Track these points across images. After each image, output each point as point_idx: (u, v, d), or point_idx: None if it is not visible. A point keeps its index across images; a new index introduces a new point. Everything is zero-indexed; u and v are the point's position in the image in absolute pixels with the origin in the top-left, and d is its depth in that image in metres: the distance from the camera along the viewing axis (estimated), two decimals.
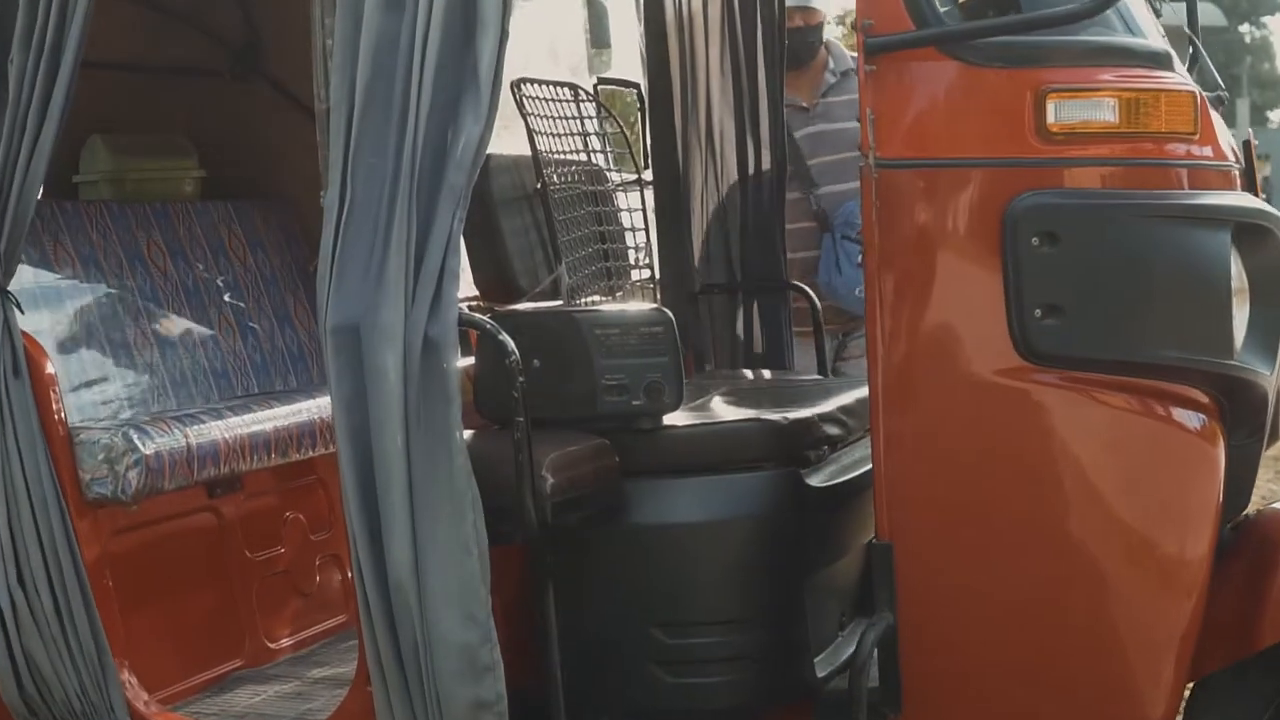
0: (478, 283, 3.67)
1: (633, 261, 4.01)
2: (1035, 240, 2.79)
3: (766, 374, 4.27)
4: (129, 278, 4.21)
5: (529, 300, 3.64)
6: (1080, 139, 2.85)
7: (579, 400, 3.23)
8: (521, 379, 2.93)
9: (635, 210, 4.09)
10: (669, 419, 3.29)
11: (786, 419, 3.35)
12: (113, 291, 4.14)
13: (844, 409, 3.55)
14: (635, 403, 3.22)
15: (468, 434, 3.07)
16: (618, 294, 3.94)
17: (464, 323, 2.94)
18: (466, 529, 2.92)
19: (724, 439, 3.31)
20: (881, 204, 2.83)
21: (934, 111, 2.89)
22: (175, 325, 4.29)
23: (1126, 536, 2.88)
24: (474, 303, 3.63)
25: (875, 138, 2.83)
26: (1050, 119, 2.81)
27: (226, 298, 4.50)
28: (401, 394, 2.93)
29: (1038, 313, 2.80)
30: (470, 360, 3.26)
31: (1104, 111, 2.83)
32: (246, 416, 3.83)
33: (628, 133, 4.33)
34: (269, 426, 3.84)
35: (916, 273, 2.87)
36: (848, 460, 3.56)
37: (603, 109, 4.11)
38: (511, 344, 2.94)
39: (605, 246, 3.90)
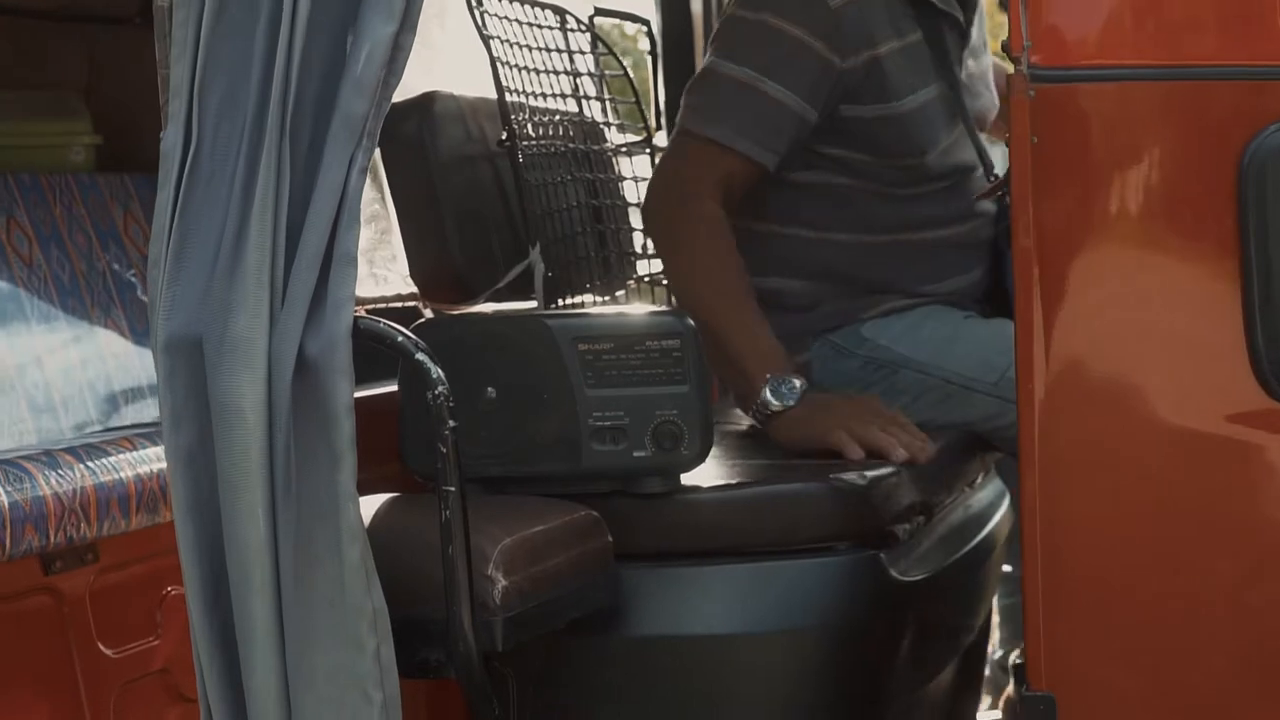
0: (415, 275, 2.58)
1: (639, 249, 2.91)
2: None
3: None
4: None
5: (489, 300, 2.54)
6: None
7: (554, 450, 2.16)
8: (453, 423, 1.82)
9: (643, 180, 2.99)
10: (690, 478, 2.21)
11: (865, 478, 2.25)
12: None
13: (947, 461, 2.45)
14: (639, 454, 2.14)
15: (374, 503, 1.99)
16: (616, 293, 2.85)
17: (364, 335, 1.86)
18: (364, 662, 1.85)
19: (773, 509, 2.23)
20: (1042, 145, 1.73)
21: None
22: (42, 332, 3.32)
23: None
24: (407, 304, 2.55)
25: (1030, 30, 1.73)
26: None
27: (116, 296, 3.53)
28: (264, 445, 1.85)
29: None
30: (391, 388, 2.19)
31: None
32: (98, 462, 2.75)
33: (634, 80, 3.23)
34: (127, 475, 2.76)
35: (1094, 257, 1.78)
36: (946, 532, 2.47)
37: (601, 44, 3.02)
38: (435, 368, 1.84)
39: (600, 227, 2.81)
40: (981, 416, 2.57)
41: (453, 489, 1.81)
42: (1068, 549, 1.85)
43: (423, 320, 2.21)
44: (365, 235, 2.56)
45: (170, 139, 1.98)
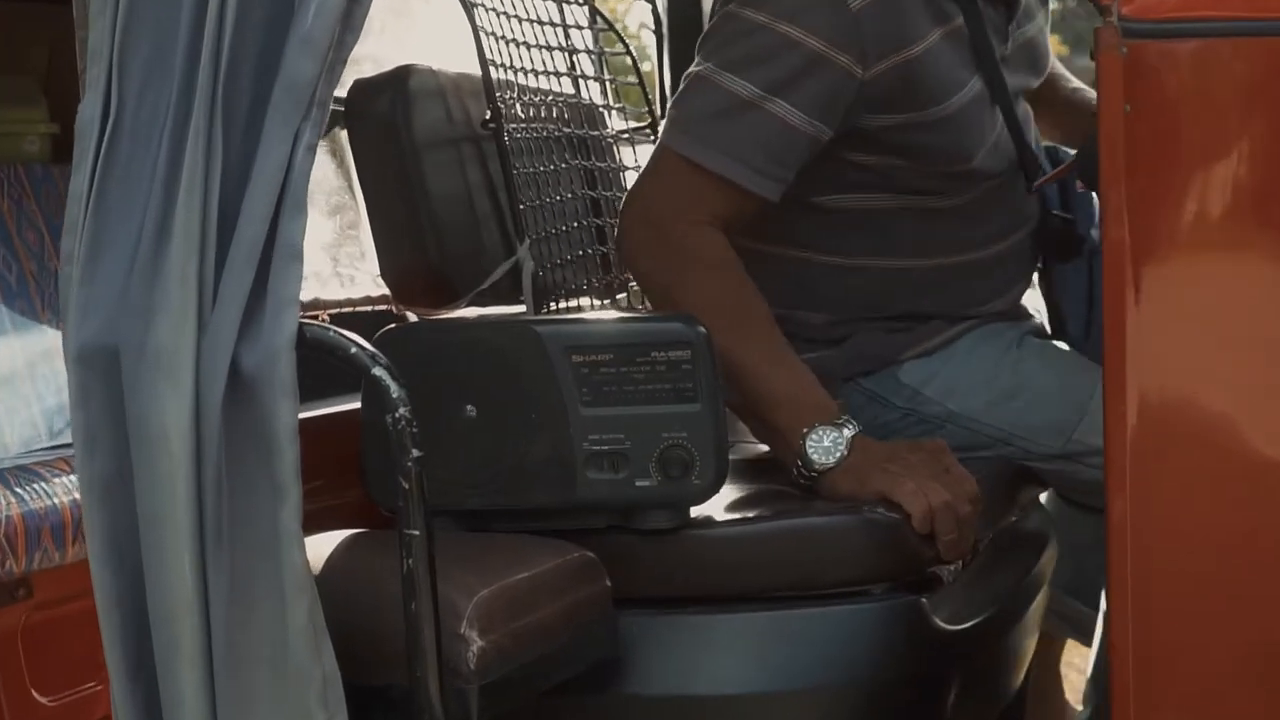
0: (387, 275, 2.26)
1: None
2: None
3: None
4: None
5: (471, 304, 2.23)
6: None
7: (543, 479, 1.84)
8: (416, 453, 1.50)
9: None
10: (701, 511, 1.89)
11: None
12: None
13: (990, 489, 2.14)
14: (642, 483, 1.83)
15: (328, 543, 1.68)
16: (616, 297, 2.53)
17: (310, 345, 1.54)
18: None
19: (798, 547, 1.91)
20: (1138, 115, 1.41)
21: None
22: None
23: None
24: (378, 308, 2.23)
25: None
26: None
27: None
28: (192, 476, 1.54)
29: None
30: (355, 405, 1.88)
31: None
32: (28, 488, 2.44)
33: (638, 59, 2.91)
34: (62, 501, 2.45)
35: (1202, 251, 1.46)
36: (991, 572, 2.15)
37: (600, 18, 2.70)
38: (395, 386, 1.52)
39: (598, 222, 2.49)
40: (1040, 472, 2.29)
41: (416, 533, 1.49)
42: (1164, 595, 1.53)
43: (389, 328, 1.89)
44: (330, 229, 2.24)
45: (87, 111, 1.67)
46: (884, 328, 2.21)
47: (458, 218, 2.27)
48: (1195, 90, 1.47)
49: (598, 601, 1.81)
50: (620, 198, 2.59)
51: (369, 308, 2.25)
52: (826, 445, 1.97)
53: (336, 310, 2.18)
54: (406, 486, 1.49)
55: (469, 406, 1.86)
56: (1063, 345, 2.32)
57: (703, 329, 1.84)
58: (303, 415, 2.01)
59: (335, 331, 1.54)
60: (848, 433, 1.98)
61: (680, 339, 1.83)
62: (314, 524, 1.85)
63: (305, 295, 2.16)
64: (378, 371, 1.51)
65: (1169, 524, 1.55)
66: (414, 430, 1.49)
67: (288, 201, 1.55)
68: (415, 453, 1.49)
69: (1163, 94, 1.46)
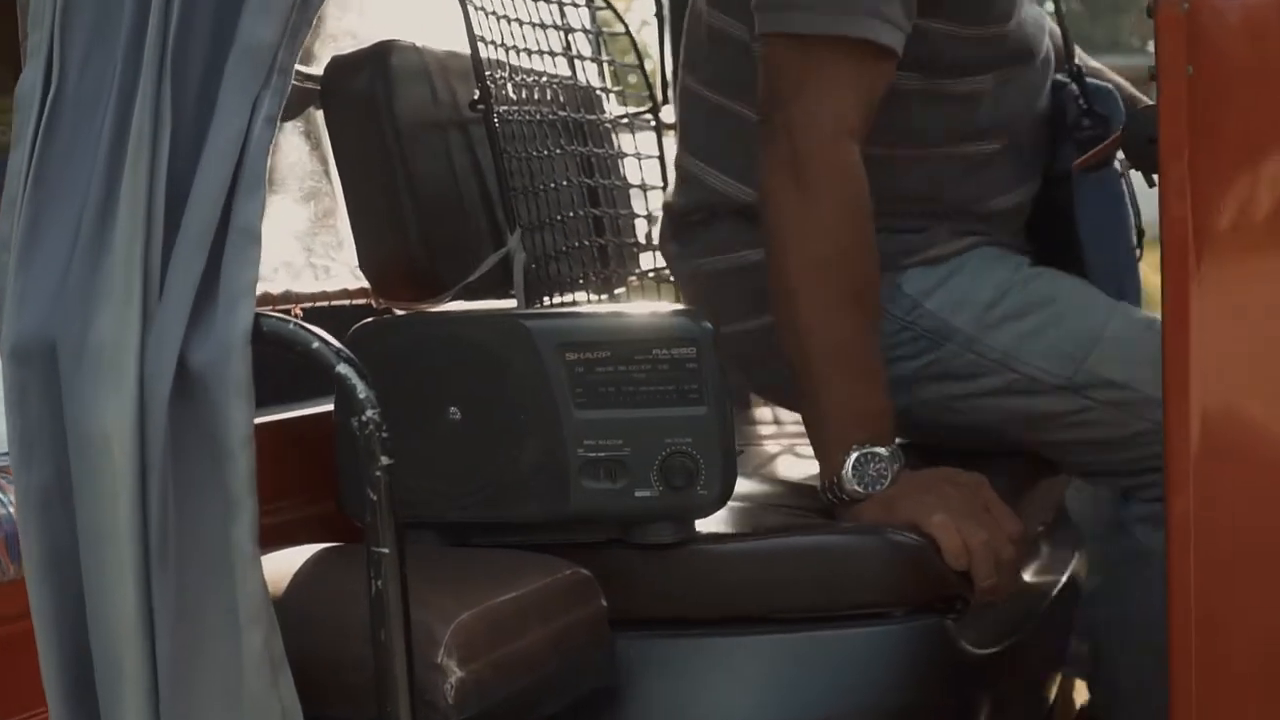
0: (367, 267, 2.09)
1: (642, 239, 2.42)
2: None
3: None
4: None
5: (458, 298, 2.06)
6: None
7: (533, 488, 1.67)
8: (385, 460, 1.33)
9: (649, 158, 2.50)
10: (706, 524, 1.72)
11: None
12: None
13: (1024, 491, 1.97)
14: (643, 493, 1.66)
15: (292, 560, 1.52)
16: (614, 291, 2.36)
17: (268, 339, 1.37)
18: None
19: (813, 564, 1.73)
20: (1201, 78, 1.24)
21: None
22: None
23: None
24: (356, 303, 2.06)
25: None
26: None
27: None
28: (135, 487, 1.37)
29: None
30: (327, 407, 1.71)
31: None
32: None
33: (640, 46, 2.74)
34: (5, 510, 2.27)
35: (1276, 220, 1.29)
36: (1020, 589, 1.98)
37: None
38: (363, 386, 1.34)
39: (596, 212, 2.32)
40: (1046, 413, 2.01)
41: (386, 550, 1.32)
42: (1226, 598, 1.37)
43: (364, 322, 1.72)
44: (304, 216, 2.07)
45: (28, 80, 1.51)
46: (890, 226, 1.95)
47: (443, 205, 2.10)
48: (1267, 49, 1.30)
49: (592, 624, 1.64)
50: (619, 187, 2.42)
51: (347, 302, 2.08)
52: (870, 475, 1.77)
53: (311, 304, 2.01)
54: (375, 498, 1.32)
55: (452, 409, 1.69)
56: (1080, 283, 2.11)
57: (708, 325, 1.67)
58: (279, 417, 1.85)
59: (296, 324, 1.37)
60: (896, 467, 1.78)
61: (685, 335, 1.66)
62: (287, 537, 1.69)
63: (276, 288, 1.99)
64: (343, 369, 1.34)
65: (1233, 522, 1.39)
66: (384, 435, 1.32)
67: (244, 178, 1.38)
68: (384, 460, 1.32)
69: (1230, 54, 1.29)
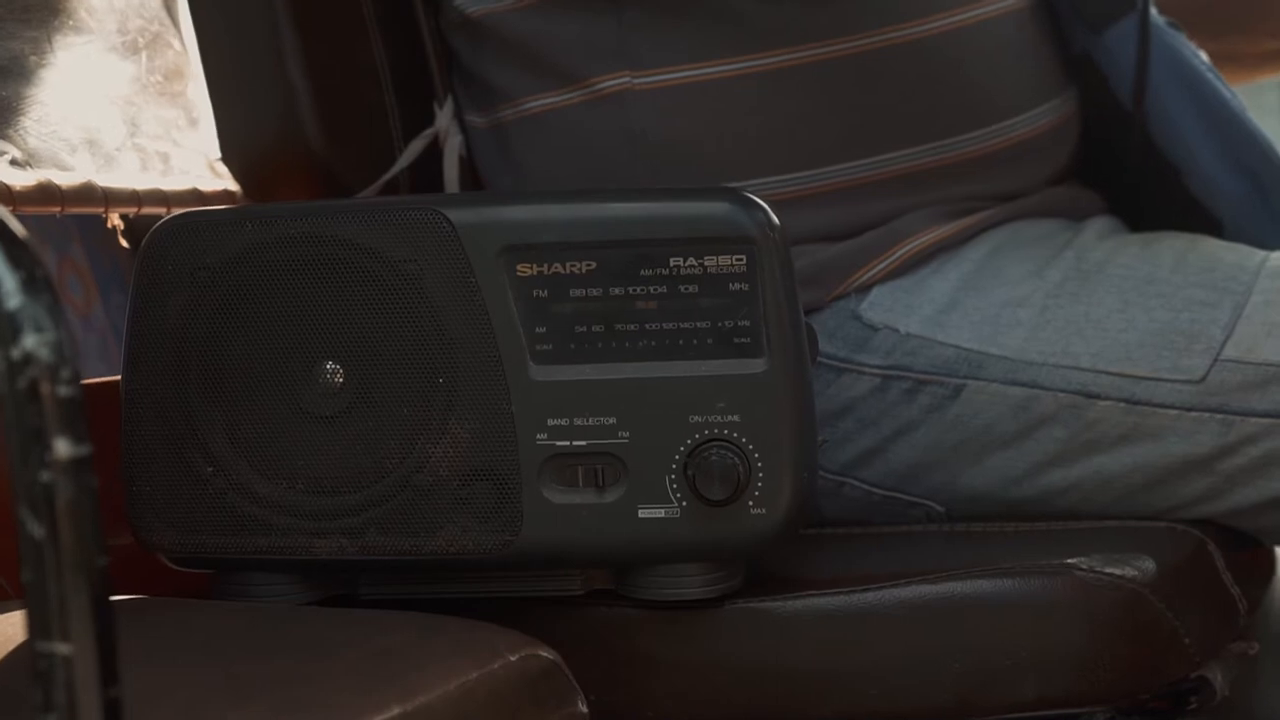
0: (232, 157, 1.37)
1: None
2: None
3: None
4: None
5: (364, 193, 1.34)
6: None
7: (461, 502, 0.94)
8: (73, 446, 0.59)
9: None
10: (767, 567, 0.99)
11: (1137, 567, 1.02)
12: None
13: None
14: (650, 511, 0.93)
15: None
16: None
17: None
18: None
19: (953, 632, 1.00)
20: None
21: None
22: None
23: None
24: (216, 209, 1.33)
25: None
26: None
27: None
28: None
29: None
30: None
31: None
32: None
33: None
34: None
35: None
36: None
37: None
38: (9, 274, 0.60)
39: None
40: (1184, 461, 1.15)
41: (64, 650, 0.57)
42: None
43: (166, 218, 1.00)
44: (129, 74, 1.34)
45: None
46: (791, 211, 1.10)
47: (349, 70, 1.37)
48: None
49: None
50: None
51: (198, 206, 1.35)
52: None
53: (137, 209, 1.28)
54: (38, 531, 0.57)
55: (329, 363, 0.97)
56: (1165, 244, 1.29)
57: (772, 216, 0.94)
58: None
59: None
60: None
61: (730, 232, 0.93)
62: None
63: (73, 178, 1.25)
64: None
65: None
66: (65, 386, 0.57)
67: None
68: (70, 448, 0.57)
69: None
